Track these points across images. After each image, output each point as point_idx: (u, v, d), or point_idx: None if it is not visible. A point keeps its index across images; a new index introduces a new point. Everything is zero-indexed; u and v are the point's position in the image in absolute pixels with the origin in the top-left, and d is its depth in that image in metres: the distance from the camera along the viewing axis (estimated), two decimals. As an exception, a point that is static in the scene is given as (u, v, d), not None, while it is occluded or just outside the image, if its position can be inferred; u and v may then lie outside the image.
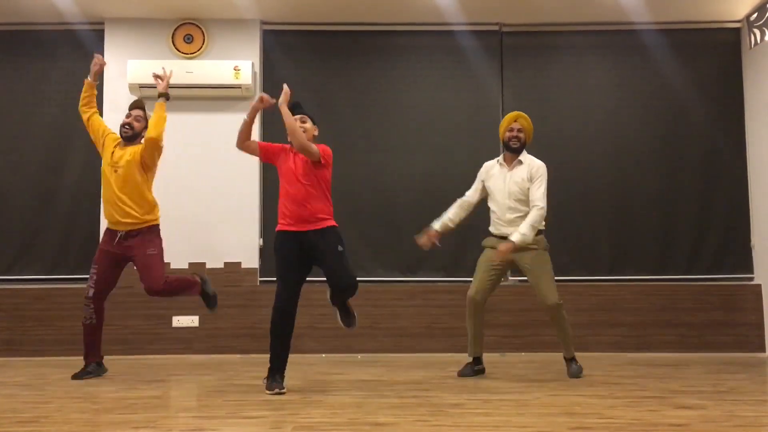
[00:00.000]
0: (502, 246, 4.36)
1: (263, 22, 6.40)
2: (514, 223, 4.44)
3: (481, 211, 6.21)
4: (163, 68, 4.74)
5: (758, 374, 4.60)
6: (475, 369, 4.53)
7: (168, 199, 6.22)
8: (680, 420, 2.82)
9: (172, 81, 6.08)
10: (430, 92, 6.40)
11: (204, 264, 6.10)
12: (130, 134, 4.50)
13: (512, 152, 4.55)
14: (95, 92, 4.69)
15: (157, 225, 4.57)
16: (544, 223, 4.51)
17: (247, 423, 2.83)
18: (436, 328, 6.12)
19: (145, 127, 4.54)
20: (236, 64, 6.08)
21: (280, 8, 6.17)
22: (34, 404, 3.31)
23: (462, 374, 4.48)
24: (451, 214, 4.66)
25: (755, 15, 6.25)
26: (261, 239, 6.20)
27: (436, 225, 4.64)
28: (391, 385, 4.01)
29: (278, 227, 3.88)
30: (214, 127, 6.26)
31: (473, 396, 3.57)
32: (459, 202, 4.69)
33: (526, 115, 4.59)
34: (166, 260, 6.04)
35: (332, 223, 3.87)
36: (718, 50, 6.44)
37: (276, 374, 3.79)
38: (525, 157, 4.55)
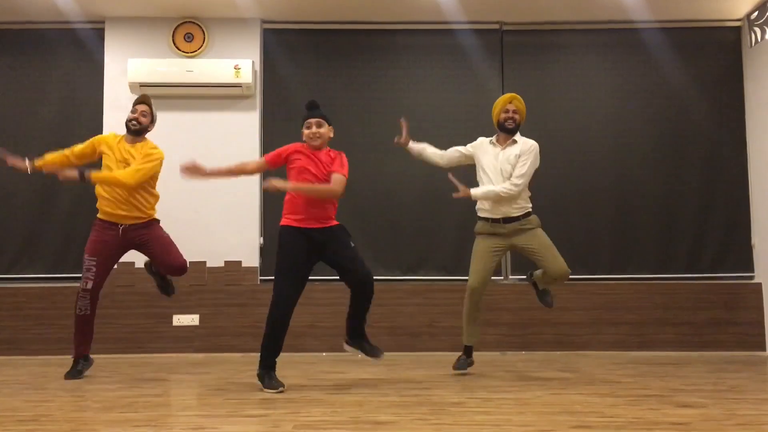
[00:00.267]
0: (463, 188, 4.40)
1: (264, 21, 6.40)
2: (510, 199, 4.44)
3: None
4: None
5: (759, 373, 4.60)
6: (469, 361, 4.54)
7: (168, 197, 6.22)
8: (681, 418, 2.82)
9: (171, 80, 6.10)
10: (430, 91, 6.40)
11: (204, 263, 6.10)
12: (138, 128, 4.52)
13: (508, 133, 4.57)
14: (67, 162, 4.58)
15: (158, 220, 4.63)
16: (530, 204, 4.54)
17: (247, 421, 2.83)
18: (436, 327, 6.12)
19: (151, 122, 4.59)
20: (236, 63, 6.08)
21: (281, 7, 6.16)
22: (35, 403, 3.31)
23: (459, 368, 4.49)
24: (431, 151, 4.69)
25: (756, 13, 6.24)
26: (261, 238, 6.20)
27: (415, 144, 4.69)
28: (392, 384, 4.01)
29: (285, 222, 3.85)
30: (215, 126, 6.26)
31: (474, 394, 3.56)
32: (442, 151, 4.69)
33: (519, 97, 4.63)
34: (166, 259, 6.10)
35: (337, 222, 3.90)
36: (719, 49, 6.44)
37: (273, 372, 3.80)
38: (518, 137, 4.58)
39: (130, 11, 6.20)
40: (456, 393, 3.62)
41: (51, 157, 4.47)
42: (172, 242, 4.56)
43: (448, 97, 6.39)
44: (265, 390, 3.70)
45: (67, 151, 4.52)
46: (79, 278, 6.03)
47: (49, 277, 6.14)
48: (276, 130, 6.33)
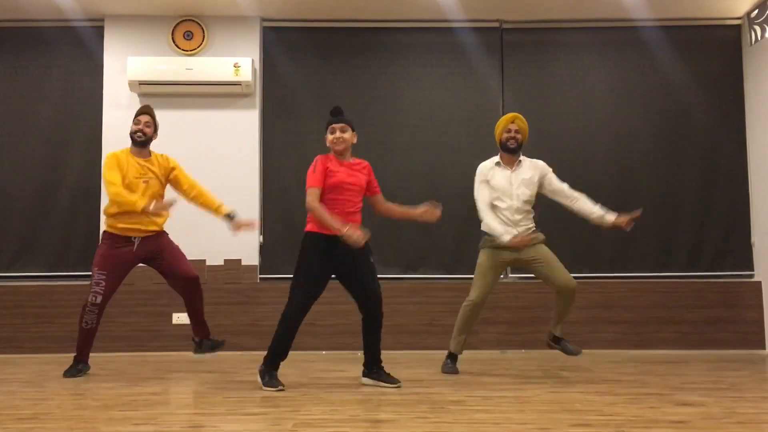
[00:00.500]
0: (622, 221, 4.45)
1: (263, 19, 6.39)
2: (521, 223, 4.47)
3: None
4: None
5: (758, 371, 4.60)
6: (456, 368, 4.53)
7: (168, 196, 6.22)
8: (681, 417, 2.82)
9: (171, 78, 6.10)
10: (430, 89, 6.39)
11: (204, 261, 6.10)
12: (144, 139, 4.49)
13: (510, 153, 4.56)
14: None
15: (166, 232, 4.64)
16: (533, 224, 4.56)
17: (247, 420, 2.83)
18: (436, 326, 6.12)
19: (155, 131, 4.55)
20: (236, 61, 6.08)
21: (280, 5, 6.16)
22: (35, 401, 3.31)
23: (449, 371, 4.47)
24: (494, 220, 4.52)
25: (756, 12, 6.24)
26: (261, 236, 6.20)
27: (507, 236, 4.42)
28: (392, 382, 4.01)
29: (311, 228, 3.81)
30: (214, 124, 6.26)
31: (473, 393, 3.56)
32: (491, 210, 4.53)
33: (521, 116, 4.61)
34: (166, 257, 6.10)
35: None
36: (719, 47, 6.44)
37: (276, 372, 3.80)
38: (523, 158, 4.60)
39: (129, 9, 6.19)
40: (456, 391, 3.62)
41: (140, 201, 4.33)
42: (183, 253, 4.55)
43: (448, 96, 6.39)
44: (264, 388, 3.70)
45: (126, 194, 4.33)
46: (78, 277, 6.11)
47: (49, 275, 6.14)
48: (275, 128, 6.33)
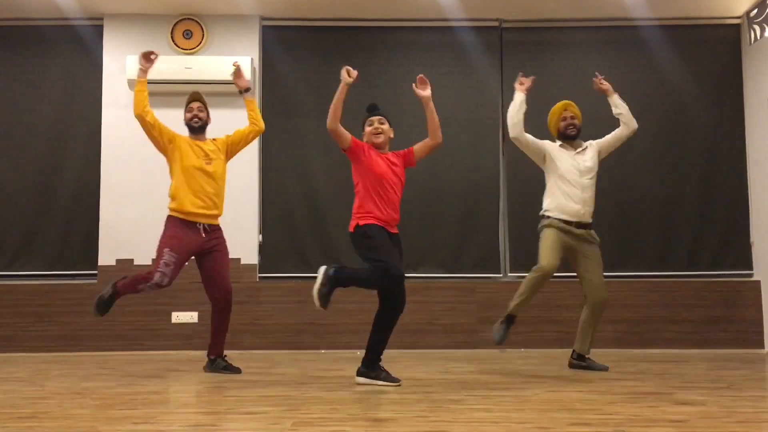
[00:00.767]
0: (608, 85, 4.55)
1: (263, 18, 6.39)
2: (588, 202, 4.51)
3: (478, 213, 6.24)
4: (234, 64, 4.68)
5: (757, 370, 4.60)
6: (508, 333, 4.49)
7: (165, 195, 6.22)
8: (680, 416, 2.82)
9: (170, 77, 6.10)
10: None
11: (203, 260, 6.08)
12: (201, 124, 4.53)
13: (571, 139, 4.59)
14: None
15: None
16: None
17: (247, 418, 2.82)
18: (436, 324, 6.12)
19: (208, 116, 4.59)
20: (235, 60, 6.06)
21: (280, 4, 6.16)
22: (34, 400, 3.31)
23: (500, 335, 4.46)
24: (521, 116, 4.57)
25: (755, 11, 6.24)
26: (260, 236, 6.20)
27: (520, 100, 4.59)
28: (391, 381, 4.00)
29: (369, 221, 3.77)
30: (213, 124, 6.23)
31: (473, 392, 3.56)
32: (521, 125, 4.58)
33: (572, 102, 4.66)
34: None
35: None
36: (719, 46, 6.44)
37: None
38: (584, 142, 4.64)
39: (128, 8, 6.19)
40: (455, 390, 3.62)
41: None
42: (229, 261, 4.49)
43: (448, 95, 6.38)
44: (387, 384, 3.66)
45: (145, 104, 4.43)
46: (77, 276, 6.11)
47: (49, 274, 6.14)
48: (275, 127, 6.32)
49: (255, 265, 6.15)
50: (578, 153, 4.57)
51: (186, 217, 4.33)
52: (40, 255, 6.17)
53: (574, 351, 4.62)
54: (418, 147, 4.02)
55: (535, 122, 6.33)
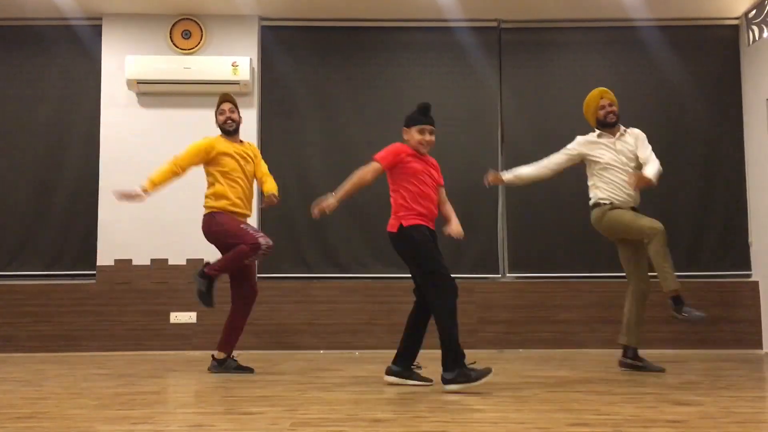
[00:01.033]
0: (637, 176, 4.36)
1: (261, 18, 6.39)
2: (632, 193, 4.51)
3: (477, 213, 6.23)
4: None
5: (756, 370, 4.61)
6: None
7: (165, 195, 6.22)
8: (678, 416, 2.82)
9: (169, 77, 6.09)
10: (428, 89, 6.39)
11: (202, 260, 6.08)
12: (235, 127, 4.58)
13: (611, 127, 4.57)
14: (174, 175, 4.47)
15: None
16: None
17: (245, 419, 2.82)
18: (433, 325, 6.10)
19: (239, 117, 4.63)
20: (234, 60, 6.08)
21: (279, 4, 6.15)
22: (32, 400, 3.31)
23: (691, 314, 4.35)
24: (529, 170, 4.60)
25: (754, 12, 6.25)
26: (259, 235, 6.19)
27: (507, 174, 4.62)
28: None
29: (415, 222, 3.73)
30: (212, 123, 6.22)
31: (471, 392, 3.56)
32: (541, 162, 4.59)
33: (606, 89, 4.66)
34: (164, 256, 6.09)
35: None
36: (717, 47, 6.45)
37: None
38: (623, 128, 4.62)
39: (127, 8, 6.18)
40: (454, 390, 3.62)
41: (159, 177, 4.33)
42: None
43: (446, 95, 6.38)
44: (477, 383, 3.54)
45: (173, 167, 4.39)
46: (75, 275, 6.10)
47: (47, 274, 6.13)
48: (274, 127, 6.32)
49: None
50: (619, 139, 4.54)
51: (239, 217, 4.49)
52: (38, 255, 6.17)
53: (626, 348, 4.50)
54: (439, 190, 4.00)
55: (534, 122, 6.36)
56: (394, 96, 6.37)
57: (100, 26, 6.31)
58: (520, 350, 6.04)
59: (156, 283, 6.06)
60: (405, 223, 3.73)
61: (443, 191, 4.01)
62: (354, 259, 6.24)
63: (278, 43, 6.42)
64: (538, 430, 2.55)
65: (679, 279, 6.11)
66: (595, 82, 6.41)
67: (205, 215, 4.49)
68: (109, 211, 6.09)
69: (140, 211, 6.07)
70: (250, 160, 4.60)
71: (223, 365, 4.48)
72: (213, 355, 4.56)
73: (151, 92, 6.20)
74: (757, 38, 6.24)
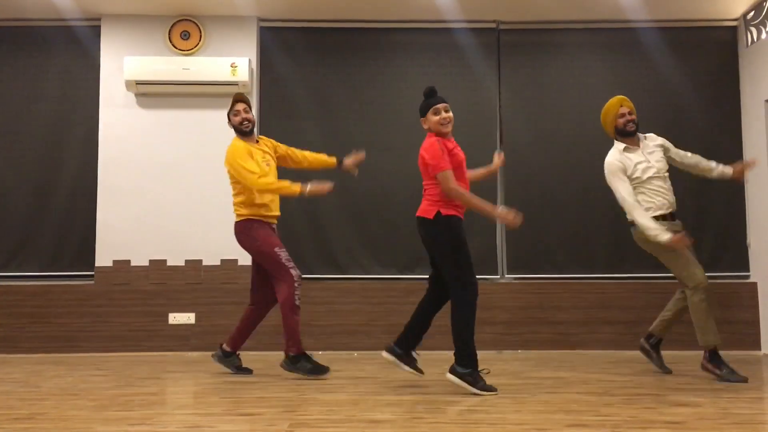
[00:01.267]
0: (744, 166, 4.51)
1: (260, 19, 6.39)
2: (671, 189, 4.52)
3: (476, 214, 6.19)
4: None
5: (753, 372, 4.61)
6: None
7: (165, 196, 6.23)
8: (676, 417, 2.83)
9: (168, 78, 6.09)
10: (427, 89, 6.39)
11: (201, 261, 6.09)
12: (251, 127, 4.56)
13: (632, 136, 4.52)
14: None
15: None
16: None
17: (243, 420, 2.82)
18: (433, 326, 6.07)
19: (253, 117, 4.62)
20: (233, 61, 6.07)
21: (278, 5, 6.15)
22: (31, 401, 3.31)
23: (734, 379, 4.11)
24: (645, 212, 4.43)
25: (752, 13, 6.26)
26: (258, 236, 6.19)
27: (664, 235, 4.38)
28: (388, 382, 4.01)
29: (451, 212, 3.72)
30: (211, 124, 6.25)
31: (470, 392, 3.57)
32: (637, 203, 4.40)
33: (625, 97, 4.62)
34: (164, 257, 6.09)
35: None
36: (715, 48, 6.45)
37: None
38: (641, 135, 4.59)
39: (126, 8, 6.18)
40: (452, 391, 3.62)
41: (286, 191, 4.32)
42: None
43: (445, 96, 6.22)
44: (480, 392, 3.55)
45: (275, 181, 4.40)
46: (74, 276, 6.10)
47: (45, 275, 6.13)
48: (273, 128, 6.32)
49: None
50: (643, 149, 4.49)
51: (267, 220, 4.48)
52: (36, 255, 6.16)
53: (706, 351, 4.26)
54: None
55: (533, 123, 6.37)
56: (393, 97, 6.37)
57: (99, 27, 6.31)
58: (519, 351, 6.05)
59: (154, 284, 6.06)
60: (444, 212, 3.72)
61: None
62: (352, 261, 6.24)
63: (277, 44, 6.42)
64: (536, 431, 2.55)
65: (677, 280, 6.17)
66: (593, 83, 6.45)
67: (238, 222, 4.46)
68: (107, 212, 6.09)
69: (139, 212, 6.07)
70: (271, 156, 4.56)
71: (227, 358, 4.54)
72: (221, 345, 4.60)
73: (150, 93, 6.20)
74: (755, 39, 6.25)
